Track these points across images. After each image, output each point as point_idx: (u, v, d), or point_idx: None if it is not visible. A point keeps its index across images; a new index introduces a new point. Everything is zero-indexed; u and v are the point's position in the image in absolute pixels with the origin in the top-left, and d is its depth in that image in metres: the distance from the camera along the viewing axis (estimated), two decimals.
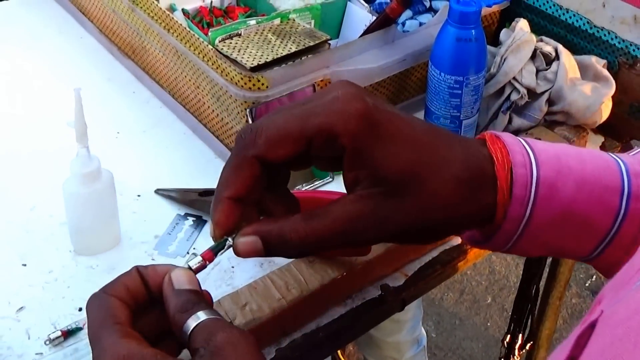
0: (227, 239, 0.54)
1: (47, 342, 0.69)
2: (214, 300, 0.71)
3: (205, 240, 0.79)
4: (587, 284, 2.40)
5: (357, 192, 0.52)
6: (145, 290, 0.54)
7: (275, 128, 0.52)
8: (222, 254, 0.55)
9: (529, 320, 1.25)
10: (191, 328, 0.50)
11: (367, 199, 0.51)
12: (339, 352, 1.77)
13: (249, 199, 0.54)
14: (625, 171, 0.57)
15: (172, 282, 0.52)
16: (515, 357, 1.27)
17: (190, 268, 0.55)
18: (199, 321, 0.50)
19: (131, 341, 0.49)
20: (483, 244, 0.59)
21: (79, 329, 0.70)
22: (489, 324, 2.28)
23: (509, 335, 1.27)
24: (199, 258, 0.55)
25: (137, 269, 0.54)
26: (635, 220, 0.56)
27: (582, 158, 0.58)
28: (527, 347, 1.27)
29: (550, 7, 1.01)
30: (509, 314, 2.32)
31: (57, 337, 0.69)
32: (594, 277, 2.42)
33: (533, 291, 1.16)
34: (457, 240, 0.82)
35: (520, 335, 1.24)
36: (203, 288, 0.73)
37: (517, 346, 1.26)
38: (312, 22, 0.95)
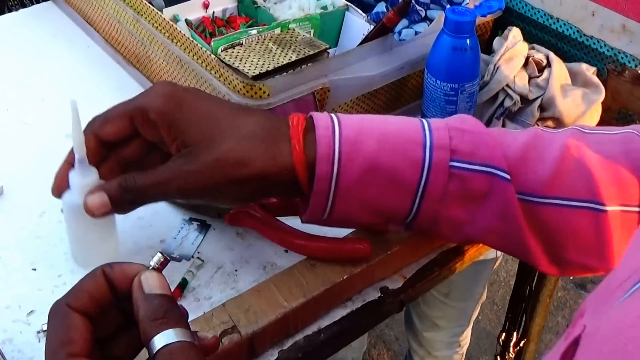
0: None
1: None
2: (219, 304, 0.69)
3: (209, 244, 0.77)
4: (571, 277, 2.39)
5: (174, 155, 0.62)
6: (111, 294, 0.51)
7: (107, 112, 0.65)
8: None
9: (523, 319, 1.23)
10: (157, 348, 0.47)
11: (178, 158, 0.61)
12: None
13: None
14: (428, 126, 0.61)
15: (143, 286, 0.50)
16: (510, 354, 1.26)
17: (154, 268, 0.52)
18: (166, 342, 0.47)
19: None
20: (305, 213, 0.63)
21: None
22: (480, 317, 2.27)
23: (504, 334, 1.25)
24: (160, 255, 0.54)
25: (103, 271, 0.52)
26: (440, 169, 0.59)
27: (385, 119, 0.62)
28: (521, 344, 1.26)
29: (541, 16, 1.00)
30: (499, 307, 2.32)
31: None
32: None
33: (527, 291, 1.15)
34: (454, 243, 0.81)
35: (515, 333, 1.23)
36: (204, 294, 0.71)
37: (511, 344, 1.24)
38: (312, 31, 0.93)
